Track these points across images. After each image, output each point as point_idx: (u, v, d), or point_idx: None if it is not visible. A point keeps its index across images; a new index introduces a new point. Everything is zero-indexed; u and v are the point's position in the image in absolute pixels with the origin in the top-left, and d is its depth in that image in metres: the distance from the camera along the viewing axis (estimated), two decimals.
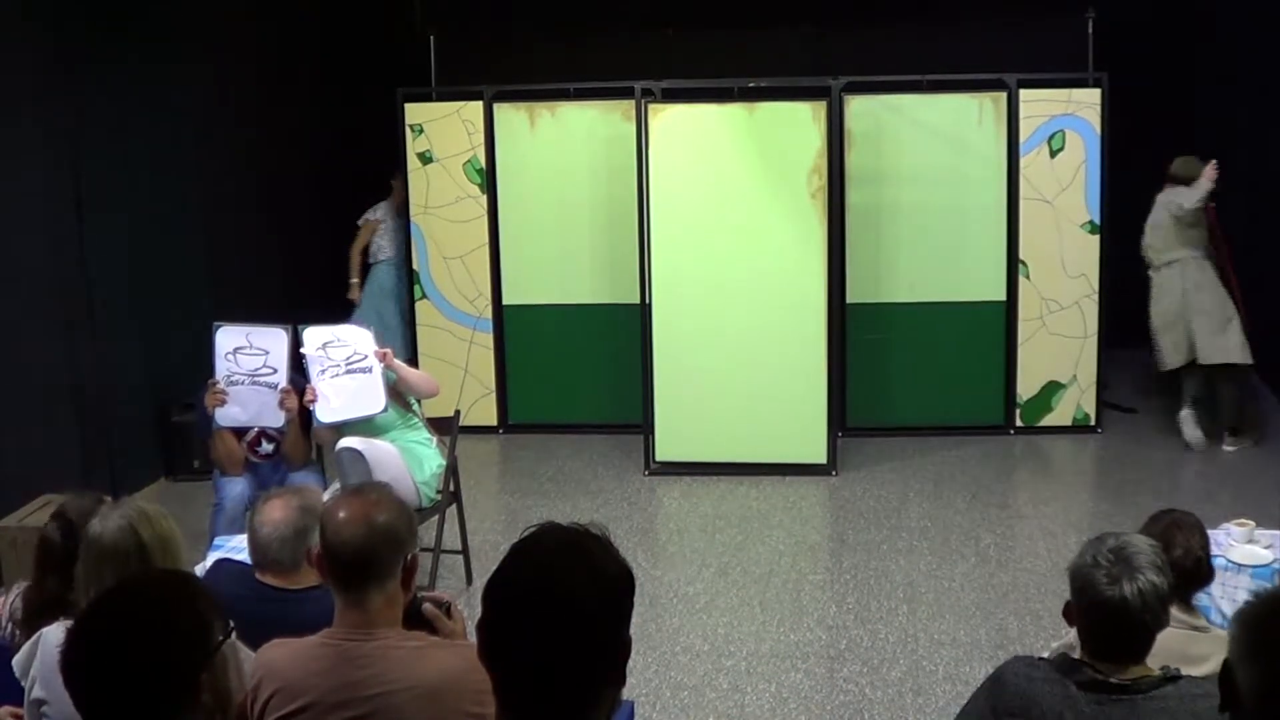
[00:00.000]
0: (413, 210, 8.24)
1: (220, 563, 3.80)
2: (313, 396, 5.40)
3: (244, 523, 5.15)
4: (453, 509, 5.86)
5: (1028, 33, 8.50)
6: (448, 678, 2.47)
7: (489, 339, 8.30)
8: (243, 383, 5.42)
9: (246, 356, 5.42)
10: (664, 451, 7.50)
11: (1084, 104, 7.69)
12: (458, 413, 6.09)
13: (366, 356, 5.46)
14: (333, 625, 2.59)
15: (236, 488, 5.48)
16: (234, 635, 2.10)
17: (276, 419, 5.47)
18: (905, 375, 8.03)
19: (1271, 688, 1.72)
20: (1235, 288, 7.69)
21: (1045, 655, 3.52)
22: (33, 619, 3.24)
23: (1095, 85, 7.72)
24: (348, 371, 5.43)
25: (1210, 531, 3.58)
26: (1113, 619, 2.57)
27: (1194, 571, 3.35)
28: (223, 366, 5.42)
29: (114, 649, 1.97)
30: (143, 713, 1.97)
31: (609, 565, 1.81)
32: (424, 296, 8.32)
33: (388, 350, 5.56)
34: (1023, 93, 7.71)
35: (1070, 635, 3.26)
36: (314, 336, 5.49)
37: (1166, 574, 2.63)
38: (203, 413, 5.56)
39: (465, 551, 5.82)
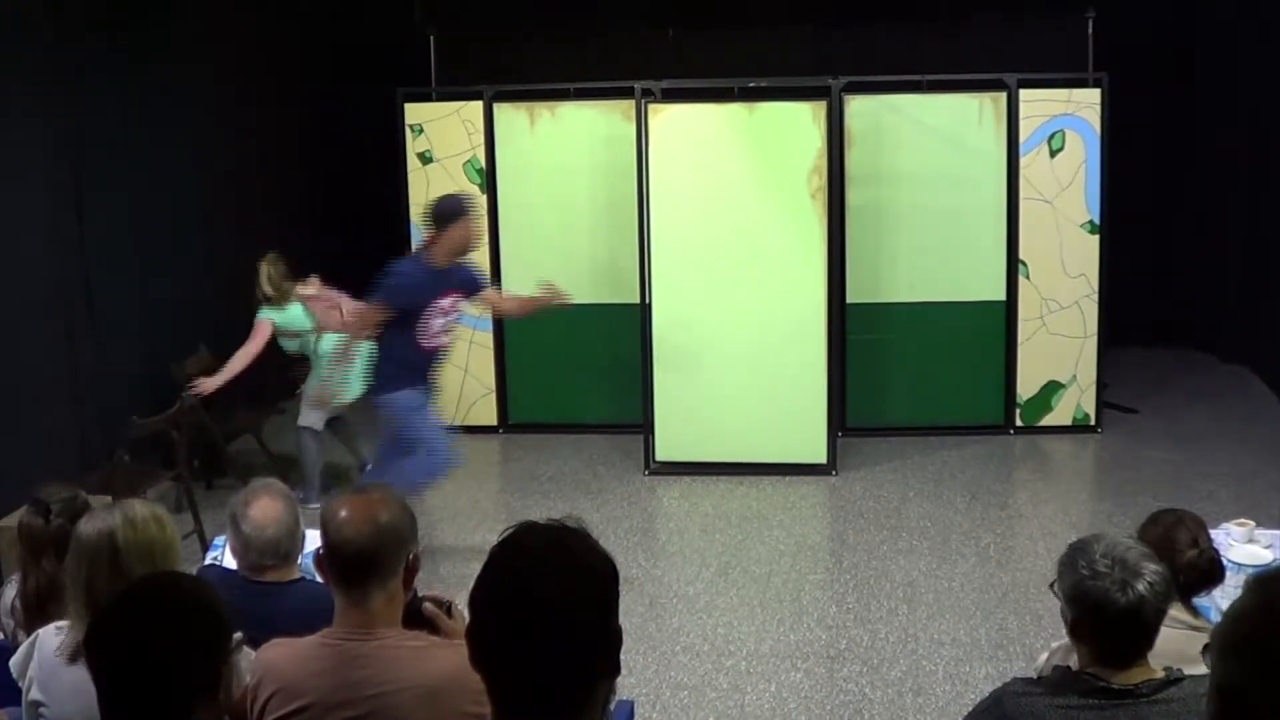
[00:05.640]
0: (413, 210, 8.24)
1: (206, 568, 3.80)
2: None
3: None
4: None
5: (1028, 33, 8.51)
6: (448, 677, 2.46)
7: (489, 339, 8.30)
8: None
9: None
10: (664, 451, 7.50)
11: (1084, 104, 7.68)
12: None
13: None
14: (333, 625, 2.59)
15: None
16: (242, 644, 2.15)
17: None
18: (905, 375, 8.03)
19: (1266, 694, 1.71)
20: None
21: (1044, 655, 3.52)
22: (34, 612, 3.24)
23: (1095, 85, 7.71)
24: None
25: (1210, 531, 3.57)
26: (1132, 622, 2.56)
27: (1208, 570, 3.32)
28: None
29: (144, 636, 2.04)
30: (164, 701, 2.01)
31: (591, 559, 1.81)
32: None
33: None
34: (1023, 92, 7.70)
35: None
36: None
37: (1157, 559, 2.63)
38: None
39: None
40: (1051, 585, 2.76)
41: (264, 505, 3.32)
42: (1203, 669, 2.86)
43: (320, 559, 2.62)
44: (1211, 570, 3.34)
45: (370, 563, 2.54)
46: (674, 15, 9.13)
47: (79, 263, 6.73)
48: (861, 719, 4.75)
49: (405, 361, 6.00)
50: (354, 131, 9.42)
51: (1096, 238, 7.79)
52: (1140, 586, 2.55)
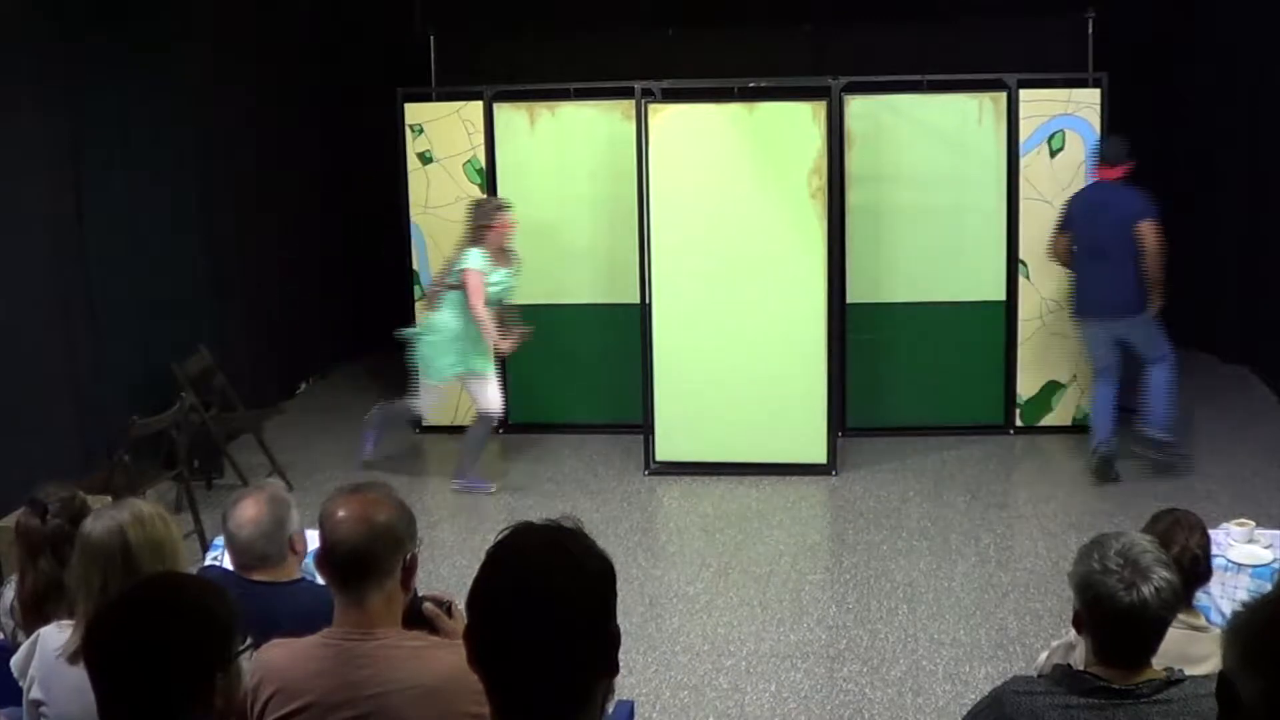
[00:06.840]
0: (413, 210, 8.23)
1: (207, 569, 3.80)
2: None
3: None
4: None
5: (1028, 33, 8.51)
6: (448, 677, 2.46)
7: None
8: None
9: None
10: (664, 451, 7.50)
11: (1084, 104, 7.68)
12: None
13: None
14: (332, 624, 2.59)
15: None
16: (251, 648, 2.15)
17: None
18: (905, 375, 8.02)
19: (1276, 698, 1.71)
20: None
21: (1044, 655, 3.52)
22: (31, 612, 3.24)
23: (1095, 85, 7.71)
24: None
25: (1210, 531, 3.58)
26: (1132, 623, 2.55)
27: (1190, 570, 3.34)
28: None
29: (140, 636, 2.05)
30: (160, 702, 2.02)
31: (588, 559, 1.82)
32: (424, 296, 8.30)
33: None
34: (1022, 93, 7.70)
35: (1070, 635, 3.28)
36: None
37: (1173, 569, 2.63)
38: None
39: None
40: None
41: (245, 506, 3.34)
42: (1203, 669, 2.88)
43: (319, 559, 2.62)
44: (1193, 569, 3.37)
45: (364, 563, 2.55)
46: (674, 15, 9.13)
47: (79, 263, 6.73)
48: (861, 719, 4.75)
49: (1142, 279, 7.01)
50: (354, 131, 9.42)
51: None
52: (1145, 590, 2.54)
